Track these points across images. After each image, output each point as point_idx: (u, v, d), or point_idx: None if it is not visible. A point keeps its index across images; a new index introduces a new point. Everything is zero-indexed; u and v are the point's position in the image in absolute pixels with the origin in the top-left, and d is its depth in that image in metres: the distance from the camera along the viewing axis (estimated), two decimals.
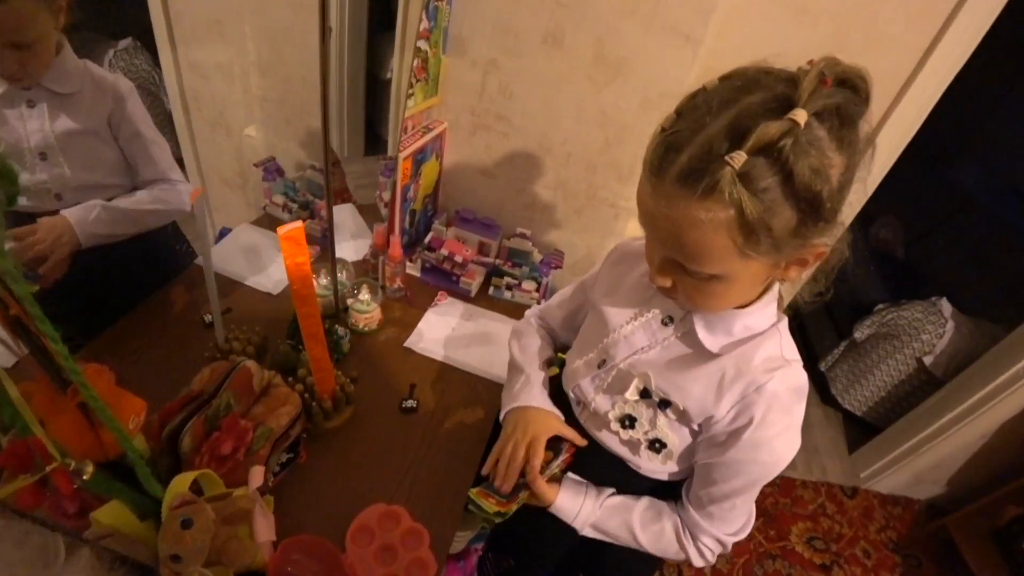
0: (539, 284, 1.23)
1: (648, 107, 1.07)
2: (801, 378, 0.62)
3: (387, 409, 0.96)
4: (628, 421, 0.70)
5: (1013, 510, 1.75)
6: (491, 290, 1.27)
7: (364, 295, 1.09)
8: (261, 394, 0.84)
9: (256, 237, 1.26)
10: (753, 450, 0.61)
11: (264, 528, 0.68)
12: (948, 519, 1.79)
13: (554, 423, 0.77)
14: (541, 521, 0.78)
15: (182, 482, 0.65)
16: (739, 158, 0.42)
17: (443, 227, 1.30)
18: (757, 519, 1.62)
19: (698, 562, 0.72)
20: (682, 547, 0.71)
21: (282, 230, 0.69)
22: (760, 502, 1.79)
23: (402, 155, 1.11)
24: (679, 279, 0.55)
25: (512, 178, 1.28)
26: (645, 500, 0.75)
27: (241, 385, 0.80)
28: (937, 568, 1.77)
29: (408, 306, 1.18)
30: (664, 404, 0.66)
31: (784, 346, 0.62)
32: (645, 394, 0.68)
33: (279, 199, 1.33)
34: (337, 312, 1.06)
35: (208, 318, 1.02)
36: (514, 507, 0.72)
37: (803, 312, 2.46)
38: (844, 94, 0.45)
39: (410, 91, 1.05)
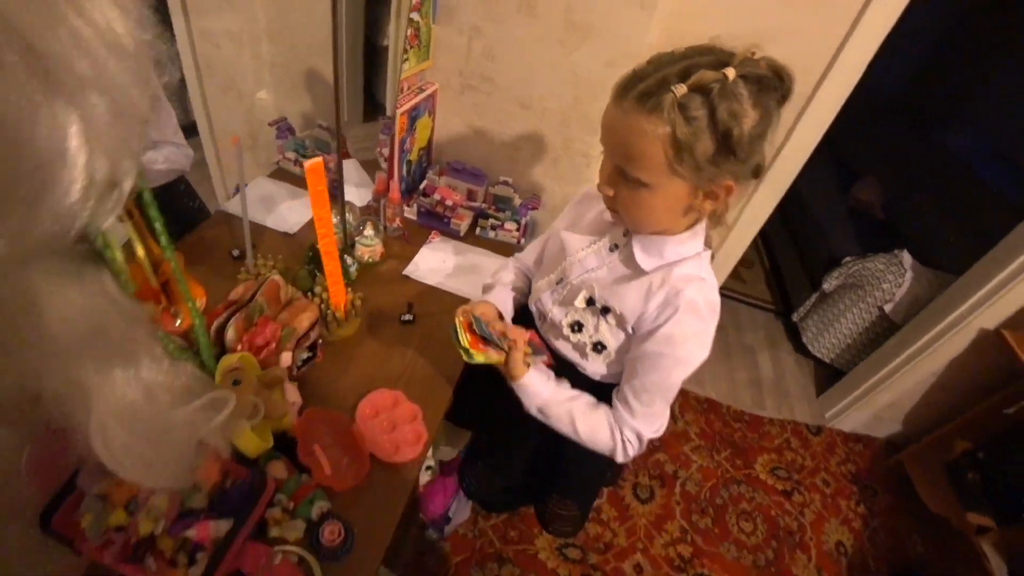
0: (519, 225, 1.47)
1: (613, 67, 1.29)
2: (714, 295, 0.79)
3: (389, 321, 1.20)
4: (577, 326, 0.90)
5: (962, 444, 2.00)
6: (478, 230, 1.51)
7: (368, 231, 1.33)
8: (286, 304, 1.09)
9: (272, 187, 1.49)
10: (668, 344, 0.78)
11: (292, 392, 0.94)
12: (903, 453, 2.05)
13: (494, 312, 0.99)
14: (509, 422, 1.02)
15: (230, 359, 0.90)
16: (680, 89, 0.61)
17: (436, 176, 1.54)
18: (725, 449, 1.89)
19: (620, 455, 0.88)
20: (612, 437, 0.87)
21: (307, 163, 0.92)
22: (729, 435, 2.06)
23: (399, 111, 1.33)
24: (620, 190, 0.73)
25: (496, 132, 1.52)
26: (588, 396, 0.92)
27: (271, 294, 1.05)
28: (893, 498, 2.03)
29: (405, 243, 1.42)
30: (605, 311, 0.85)
31: (703, 269, 0.80)
32: (591, 302, 0.87)
33: (291, 155, 1.56)
34: (345, 246, 1.30)
35: (236, 252, 1.26)
36: (482, 357, 0.90)
37: (780, 264, 2.68)
38: (767, 73, 0.64)
39: (405, 56, 1.27)
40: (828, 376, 2.35)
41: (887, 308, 2.10)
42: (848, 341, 2.23)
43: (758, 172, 0.71)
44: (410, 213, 1.51)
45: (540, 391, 0.91)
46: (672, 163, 0.65)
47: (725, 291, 2.65)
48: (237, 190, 1.54)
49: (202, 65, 1.83)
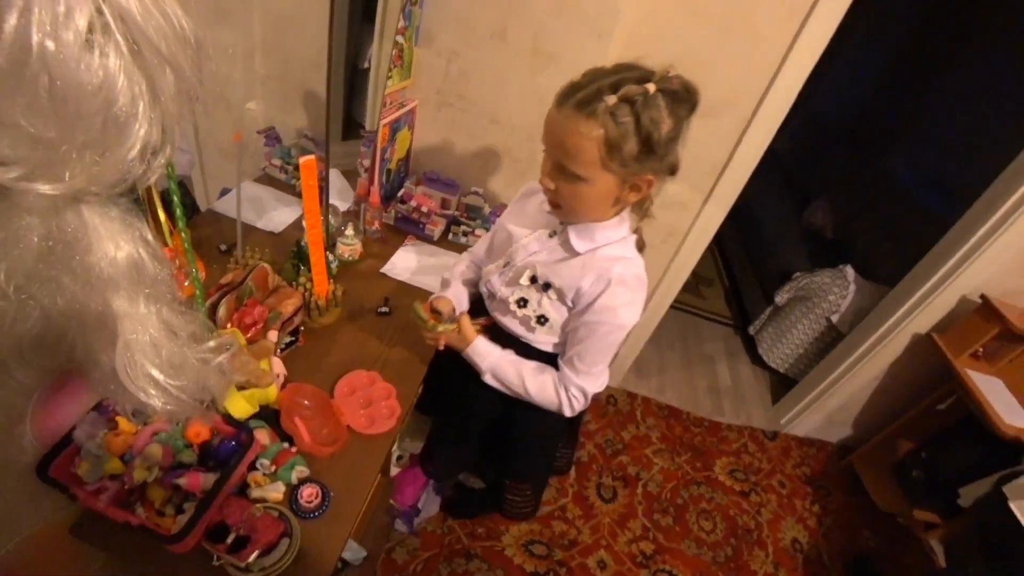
0: (488, 231, 1.60)
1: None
2: (639, 270, 0.93)
3: (366, 313, 1.30)
4: (522, 302, 1.02)
5: (906, 444, 2.16)
6: (450, 236, 1.64)
7: (349, 231, 1.44)
8: (273, 291, 1.19)
9: (258, 190, 1.60)
10: (604, 312, 0.92)
11: (278, 365, 1.03)
12: (854, 455, 2.20)
13: (451, 305, 1.14)
14: (464, 397, 1.14)
15: (221, 333, 1.00)
16: (611, 99, 0.74)
17: (413, 185, 1.67)
18: (685, 452, 2.02)
19: (567, 409, 1.03)
20: (557, 394, 1.02)
21: (302, 159, 1.04)
22: (689, 440, 2.18)
23: (382, 122, 1.47)
24: (560, 183, 0.85)
25: (469, 146, 1.66)
26: (534, 361, 1.06)
27: (260, 279, 1.15)
28: (845, 497, 2.17)
29: (383, 244, 1.53)
30: (547, 286, 0.98)
31: (628, 249, 0.94)
32: (534, 280, 1.00)
33: (277, 162, 1.67)
34: (327, 243, 1.42)
35: (223, 247, 1.36)
36: (440, 328, 1.05)
37: (739, 283, 2.86)
38: (679, 88, 0.77)
39: (389, 74, 1.42)
40: (783, 385, 2.50)
41: (834, 319, 2.28)
42: (800, 351, 2.41)
43: (674, 170, 0.85)
44: (388, 218, 1.63)
45: (491, 350, 1.07)
46: (604, 160, 0.78)
47: (685, 307, 2.87)
48: (222, 193, 1.65)
49: None
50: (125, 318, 0.59)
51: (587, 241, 0.92)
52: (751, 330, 2.65)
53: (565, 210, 0.91)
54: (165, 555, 0.78)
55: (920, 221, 2.54)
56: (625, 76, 0.76)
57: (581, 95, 0.76)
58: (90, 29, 0.43)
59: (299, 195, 1.60)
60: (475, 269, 1.25)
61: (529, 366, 1.05)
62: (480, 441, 1.28)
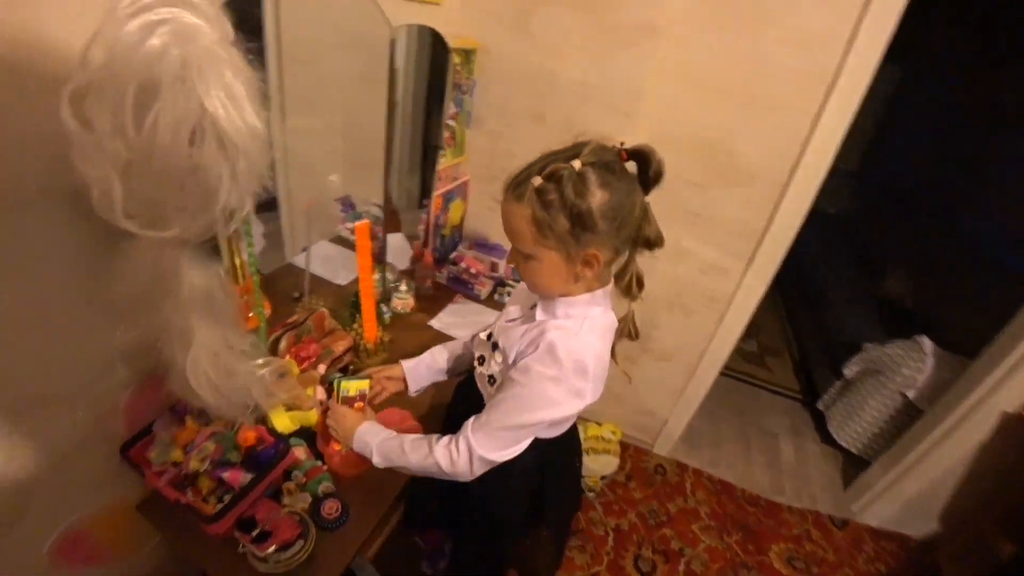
0: None
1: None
2: (578, 348, 0.85)
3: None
4: (481, 359, 1.03)
5: (1007, 546, 1.92)
6: (496, 296, 1.82)
7: (403, 287, 1.67)
8: (328, 332, 1.42)
9: (331, 250, 1.90)
10: (522, 374, 0.87)
11: (321, 393, 1.22)
12: (940, 552, 1.99)
13: (394, 371, 1.21)
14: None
15: (280, 362, 1.22)
16: (537, 180, 0.78)
17: (465, 249, 1.90)
18: (736, 531, 1.97)
19: (443, 459, 0.93)
20: (432, 450, 0.94)
21: (357, 224, 1.30)
22: (742, 519, 2.10)
23: (435, 194, 1.73)
24: (518, 262, 0.88)
25: None
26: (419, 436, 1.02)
27: (318, 321, 1.39)
28: None
29: (434, 301, 1.74)
30: (495, 346, 0.98)
31: (582, 327, 0.88)
32: (490, 337, 1.02)
33: (349, 226, 1.98)
34: (384, 296, 1.65)
35: (296, 294, 1.63)
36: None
37: (808, 354, 2.77)
38: (613, 159, 0.80)
39: (442, 152, 1.69)
40: (856, 467, 2.32)
41: (910, 394, 2.14)
42: (874, 429, 2.26)
43: (650, 244, 0.85)
44: (441, 277, 1.85)
45: (376, 431, 1.05)
46: (539, 238, 0.81)
47: (746, 378, 2.82)
48: (304, 249, 1.97)
49: (289, 154, 2.36)
50: (198, 332, 0.82)
51: (547, 313, 0.92)
52: (820, 405, 2.52)
53: (530, 287, 0.93)
54: (204, 540, 0.96)
55: (1004, 285, 2.37)
56: (556, 156, 0.81)
57: (516, 180, 0.82)
58: (193, 131, 0.68)
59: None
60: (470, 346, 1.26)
61: (409, 439, 1.01)
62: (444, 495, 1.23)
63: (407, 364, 1.22)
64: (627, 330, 0.94)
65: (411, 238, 2.04)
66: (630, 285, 0.89)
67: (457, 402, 1.23)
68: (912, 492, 2.05)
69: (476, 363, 1.04)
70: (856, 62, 1.40)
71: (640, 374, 2.14)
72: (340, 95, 1.97)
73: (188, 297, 0.80)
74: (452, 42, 1.53)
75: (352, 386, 1.13)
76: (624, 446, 2.25)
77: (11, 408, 0.82)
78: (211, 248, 0.83)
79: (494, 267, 1.88)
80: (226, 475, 0.97)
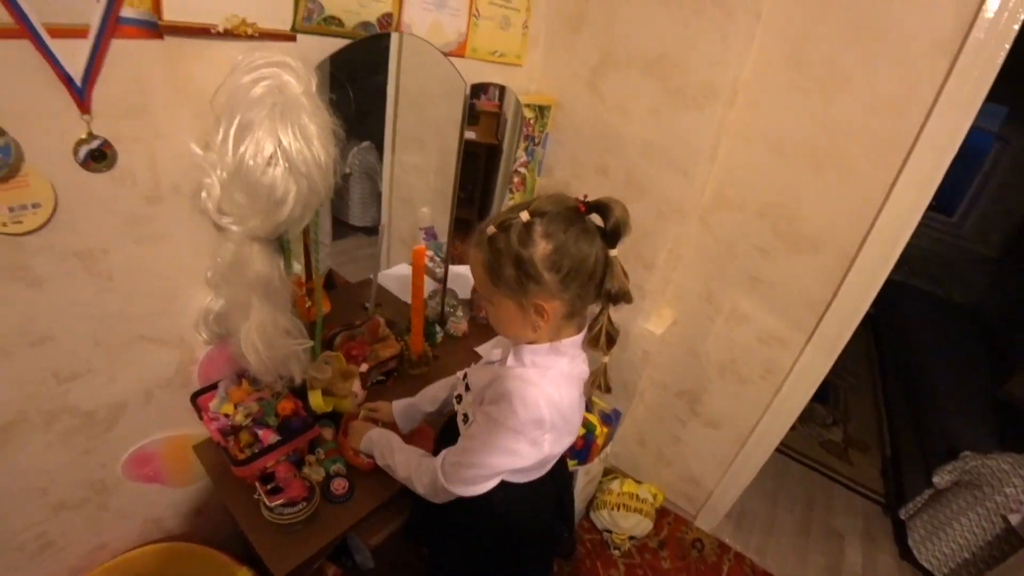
0: None
1: (661, 218, 1.74)
2: (534, 397, 0.88)
3: (449, 376, 1.69)
4: (458, 398, 1.12)
5: None
6: None
7: (459, 313, 1.89)
8: (380, 339, 1.67)
9: (407, 271, 2.19)
10: (485, 417, 0.94)
11: (357, 386, 1.45)
12: None
13: (386, 410, 1.35)
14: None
15: (328, 352, 1.47)
16: (490, 229, 0.86)
17: None
18: None
19: (415, 477, 1.05)
20: (410, 469, 1.07)
21: (415, 248, 1.54)
22: None
23: None
24: (482, 303, 1.07)
25: None
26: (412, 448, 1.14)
27: (372, 327, 1.63)
28: None
29: (485, 329, 1.92)
30: (468, 386, 1.07)
31: (545, 380, 0.91)
32: (464, 377, 1.11)
33: (430, 253, 2.26)
34: (441, 318, 1.88)
35: (367, 305, 1.92)
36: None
37: (901, 455, 2.52)
38: (559, 210, 0.84)
39: (511, 196, 1.92)
40: None
41: (1013, 520, 1.89)
42: (964, 554, 1.99)
43: (614, 299, 0.88)
44: None
45: (380, 435, 1.22)
46: (491, 283, 0.89)
47: (822, 469, 2.63)
48: (373, 275, 2.28)
49: (395, 185, 2.74)
50: (256, 309, 1.09)
51: (516, 361, 0.96)
52: (902, 513, 2.26)
53: (497, 331, 1.00)
54: (233, 482, 1.20)
55: None
56: (513, 207, 0.88)
57: (477, 232, 0.91)
58: (270, 157, 0.95)
59: (437, 279, 2.13)
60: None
61: (407, 448, 1.15)
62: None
63: (396, 407, 1.36)
64: (598, 382, 0.96)
65: None
66: (598, 338, 0.91)
67: (443, 431, 1.31)
68: None
69: (455, 400, 1.14)
70: (938, 128, 1.34)
71: (688, 438, 2.13)
72: (437, 137, 2.30)
73: (253, 280, 1.07)
74: (528, 98, 1.76)
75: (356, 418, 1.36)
76: (664, 512, 2.23)
77: (125, 341, 1.13)
78: (277, 246, 1.10)
79: None
80: (261, 432, 1.22)
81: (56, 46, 0.84)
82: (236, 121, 0.94)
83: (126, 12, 0.89)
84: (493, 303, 0.93)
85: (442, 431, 1.36)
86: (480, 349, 1.83)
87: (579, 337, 0.96)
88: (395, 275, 2.14)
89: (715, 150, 1.66)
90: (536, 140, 1.86)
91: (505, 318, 0.93)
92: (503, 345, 1.07)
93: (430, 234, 2.29)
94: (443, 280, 1.90)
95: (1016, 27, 1.23)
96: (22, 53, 0.82)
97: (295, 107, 0.97)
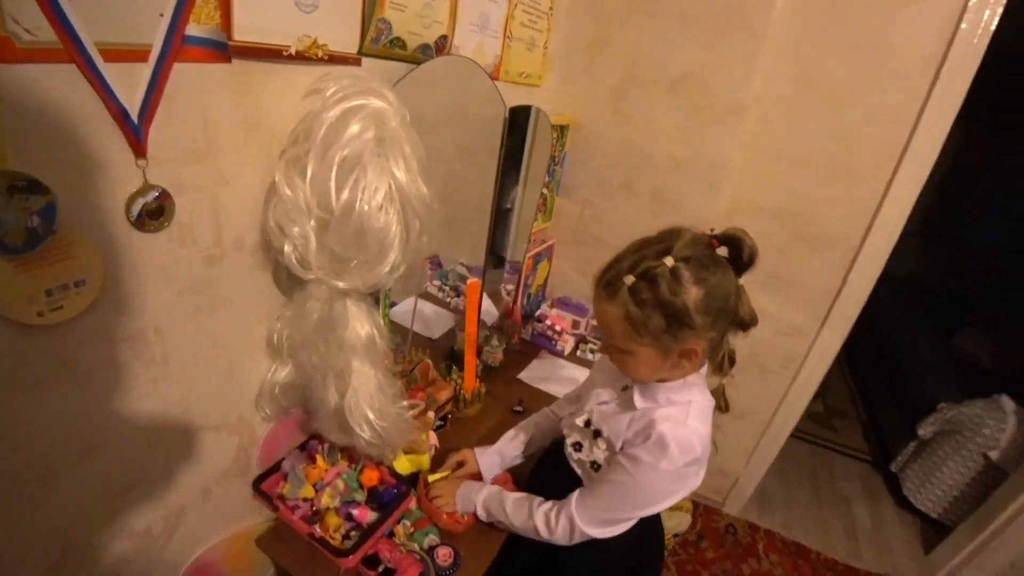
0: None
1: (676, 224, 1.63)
2: (690, 441, 0.78)
3: (503, 410, 1.44)
4: (577, 446, 0.95)
5: None
6: (578, 352, 1.78)
7: (494, 341, 1.66)
8: (431, 382, 1.42)
9: (420, 304, 1.93)
10: (630, 462, 0.81)
11: (433, 438, 1.20)
12: None
13: (471, 461, 1.14)
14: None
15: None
16: (629, 279, 0.72)
17: (549, 307, 1.89)
18: None
19: (541, 524, 0.91)
20: (531, 516, 0.92)
21: (469, 282, 1.32)
22: None
23: (528, 255, 1.75)
24: (612, 352, 0.83)
25: None
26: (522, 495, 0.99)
27: (423, 370, 1.39)
28: None
29: (520, 355, 1.72)
30: (597, 434, 0.91)
31: (689, 415, 0.81)
32: (587, 424, 0.94)
33: (436, 283, 2.02)
34: (478, 350, 1.65)
35: (393, 346, 1.65)
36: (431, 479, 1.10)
37: (877, 415, 2.57)
38: (706, 252, 0.74)
39: (535, 219, 1.73)
40: (936, 532, 2.09)
41: (992, 455, 1.94)
42: (954, 493, 2.03)
43: (744, 326, 0.78)
44: (526, 333, 1.84)
45: (481, 486, 1.04)
46: (633, 335, 0.75)
47: (816, 440, 2.64)
48: (392, 304, 2.00)
49: None
50: (358, 375, 0.83)
51: (648, 400, 0.85)
52: (893, 467, 2.30)
53: (625, 375, 0.88)
54: (321, 573, 0.92)
55: None
56: (648, 251, 0.75)
57: (607, 277, 0.77)
58: (383, 198, 0.72)
59: (452, 310, 1.89)
60: (550, 419, 1.21)
61: (512, 498, 0.99)
62: None
63: (480, 457, 1.15)
64: (719, 404, 0.87)
65: (490, 294, 2.06)
66: (722, 363, 0.82)
67: (543, 473, 1.14)
68: (1002, 562, 1.82)
69: (571, 448, 0.97)
70: (926, 133, 1.40)
71: (715, 433, 2.03)
72: (442, 164, 2.06)
73: (352, 341, 0.81)
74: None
75: (437, 478, 1.11)
76: (694, 504, 2.11)
77: (181, 435, 0.84)
78: (373, 299, 0.85)
79: (575, 324, 1.87)
80: (355, 512, 0.95)
81: (110, 71, 0.57)
82: (336, 160, 0.70)
83: (191, 30, 0.63)
84: (631, 353, 0.79)
85: (538, 473, 1.16)
86: (527, 378, 1.62)
87: (705, 367, 0.86)
88: (407, 311, 1.88)
89: (736, 162, 1.57)
90: (556, 160, 1.69)
91: (643, 365, 0.80)
92: (607, 382, 0.96)
93: (435, 264, 2.04)
94: (478, 305, 1.67)
95: (984, 47, 1.30)
96: (68, 81, 0.55)
97: (397, 139, 0.74)
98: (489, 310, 1.98)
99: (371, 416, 0.82)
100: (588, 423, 0.94)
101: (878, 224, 1.52)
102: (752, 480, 2.02)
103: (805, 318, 1.72)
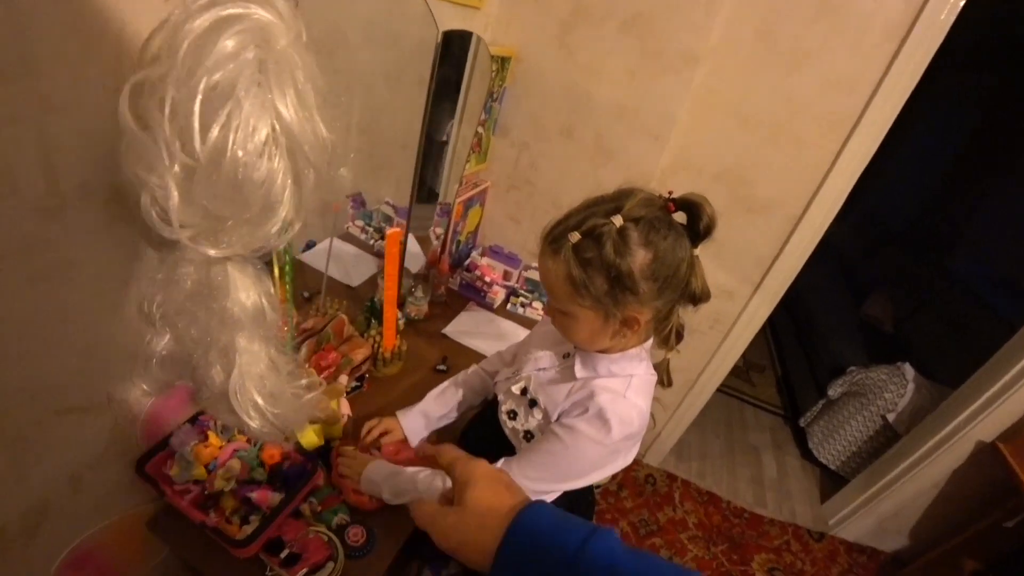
0: (545, 305, 1.71)
1: (628, 183, 1.57)
2: (628, 413, 0.77)
3: (425, 369, 1.39)
4: (512, 414, 0.93)
5: (971, 563, 1.97)
6: (509, 305, 1.74)
7: (419, 293, 1.58)
8: (345, 339, 1.33)
9: (340, 247, 1.78)
10: (567, 432, 0.79)
11: (345, 406, 1.13)
12: (908, 568, 2.02)
13: (396, 429, 1.09)
14: None
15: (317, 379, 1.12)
16: (575, 236, 0.70)
17: (479, 256, 1.82)
18: (722, 542, 1.95)
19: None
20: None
21: (389, 231, 1.20)
22: (727, 530, 2.09)
23: (457, 200, 1.65)
24: (554, 314, 0.81)
25: (532, 225, 1.80)
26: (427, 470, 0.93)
27: (337, 328, 1.29)
28: None
29: (446, 308, 1.66)
30: (533, 403, 0.89)
31: (629, 388, 0.79)
32: (524, 392, 0.91)
33: (359, 223, 1.87)
34: (399, 300, 1.56)
35: (306, 294, 1.52)
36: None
37: (791, 372, 2.78)
38: (658, 215, 0.70)
39: (468, 159, 1.60)
40: (833, 483, 2.35)
41: (890, 417, 2.17)
42: (853, 448, 2.28)
43: (695, 299, 0.77)
44: (453, 283, 1.77)
45: (379, 470, 0.97)
46: (574, 297, 0.73)
47: (733, 392, 2.82)
48: (308, 245, 1.85)
49: None
50: (244, 353, 0.73)
51: (588, 370, 0.83)
52: (802, 422, 2.54)
53: (565, 339, 0.85)
54: (220, 558, 0.86)
55: (985, 322, 2.43)
56: (598, 209, 0.73)
57: (553, 233, 0.75)
58: (266, 140, 0.59)
59: (376, 255, 1.78)
60: (475, 384, 1.18)
61: (425, 469, 0.93)
62: None
63: (403, 420, 1.11)
64: (661, 379, 0.86)
65: (418, 238, 1.95)
66: (669, 337, 0.80)
67: (472, 439, 1.13)
68: (886, 511, 2.08)
69: (505, 416, 0.94)
70: (881, 106, 1.38)
71: (654, 405, 2.10)
72: (361, 92, 1.86)
73: (236, 314, 0.70)
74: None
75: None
76: None
77: (29, 423, 0.72)
78: (263, 263, 0.73)
79: (507, 275, 1.81)
80: (254, 495, 0.88)
81: None
82: (201, 88, 0.56)
83: None
84: (571, 315, 0.77)
85: (468, 440, 1.13)
86: (452, 332, 1.56)
87: (651, 341, 0.84)
88: (323, 253, 1.74)
89: (682, 115, 1.51)
90: (494, 96, 1.56)
91: (584, 329, 0.78)
92: (548, 346, 0.94)
93: (357, 202, 1.89)
94: (401, 257, 1.57)
95: (951, 20, 1.27)
96: None
97: (287, 65, 0.61)
98: (417, 254, 1.88)
99: (260, 402, 0.73)
100: (524, 391, 0.92)
101: (822, 195, 1.53)
102: (674, 435, 2.14)
103: (738, 282, 1.76)
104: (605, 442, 0.77)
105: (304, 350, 1.19)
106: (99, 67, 0.60)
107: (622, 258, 0.69)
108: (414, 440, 1.10)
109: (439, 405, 1.14)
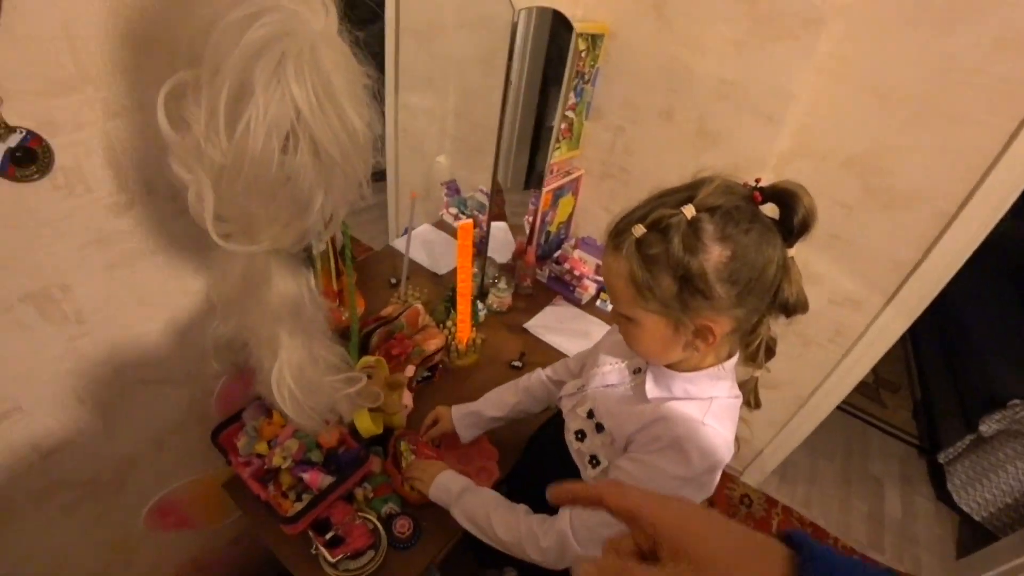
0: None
1: (736, 171, 1.36)
2: (712, 443, 0.67)
3: (500, 364, 1.36)
4: (580, 434, 0.84)
5: None
6: (598, 302, 1.65)
7: (503, 284, 1.54)
8: (421, 329, 1.34)
9: (433, 234, 1.81)
10: (641, 469, 0.70)
11: (407, 398, 1.14)
12: None
13: (445, 419, 1.07)
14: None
15: (368, 359, 1.13)
16: (638, 230, 0.61)
17: (570, 248, 1.74)
18: None
19: (529, 547, 0.78)
20: (518, 527, 0.79)
21: (460, 223, 1.18)
22: None
23: (545, 189, 1.58)
24: (618, 321, 0.73)
25: None
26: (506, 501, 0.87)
27: (411, 317, 1.30)
28: None
29: (532, 300, 1.60)
30: (599, 427, 0.81)
31: (709, 414, 0.69)
32: (590, 415, 0.83)
33: (453, 211, 1.88)
34: (480, 292, 1.54)
35: (393, 280, 1.57)
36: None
37: (933, 396, 2.33)
38: (739, 204, 0.61)
39: (557, 145, 1.52)
40: (975, 536, 1.96)
41: None
42: (1008, 500, 1.86)
43: (788, 310, 0.66)
44: (541, 276, 1.71)
45: (457, 480, 0.92)
46: (637, 299, 0.64)
47: (857, 412, 2.47)
48: (405, 231, 1.90)
49: (400, 130, 2.30)
50: (284, 343, 0.74)
51: (662, 390, 0.73)
52: (941, 457, 2.13)
53: (631, 349, 0.75)
54: (275, 529, 0.92)
55: None
56: (666, 200, 0.62)
57: (618, 226, 0.65)
58: (286, 137, 0.58)
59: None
60: (545, 387, 1.10)
61: (496, 502, 0.86)
62: None
63: (456, 417, 1.08)
64: (747, 400, 0.75)
65: (514, 227, 1.91)
66: (756, 353, 0.69)
67: (536, 453, 1.08)
68: None
69: (573, 436, 0.86)
70: None
71: (741, 426, 1.90)
72: (456, 76, 1.84)
73: (276, 306, 0.72)
74: (578, 26, 1.33)
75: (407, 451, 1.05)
76: None
77: (117, 391, 0.81)
78: (305, 257, 0.74)
79: (598, 269, 1.71)
80: (306, 476, 0.92)
81: None
82: (227, 84, 0.55)
83: None
84: (635, 321, 0.67)
85: (526, 452, 1.11)
86: (534, 327, 1.51)
87: (736, 356, 0.72)
88: (416, 239, 1.76)
89: (802, 91, 1.28)
90: (586, 77, 1.45)
91: (650, 339, 0.68)
92: (616, 355, 0.85)
93: (452, 189, 1.89)
94: (483, 245, 1.54)
95: None
96: None
97: (312, 54, 0.57)
98: (508, 242, 1.85)
99: (296, 393, 0.74)
100: (591, 414, 0.83)
101: (987, 186, 1.22)
102: (779, 454, 1.92)
103: (867, 290, 1.50)
104: (686, 476, 0.68)
105: (375, 338, 1.21)
106: (152, 72, 0.62)
107: (692, 255, 0.59)
108: (465, 438, 1.08)
109: (494, 407, 1.10)
